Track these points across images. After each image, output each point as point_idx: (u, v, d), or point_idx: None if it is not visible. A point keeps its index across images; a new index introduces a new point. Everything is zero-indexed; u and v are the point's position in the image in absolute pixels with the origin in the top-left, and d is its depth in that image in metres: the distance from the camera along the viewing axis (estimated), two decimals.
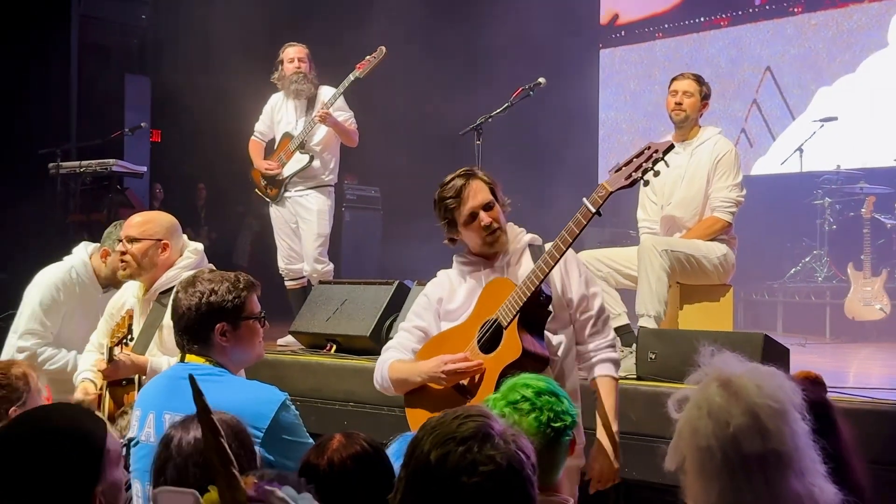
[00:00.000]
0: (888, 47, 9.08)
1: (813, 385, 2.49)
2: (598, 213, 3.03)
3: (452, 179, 3.30)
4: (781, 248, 8.85)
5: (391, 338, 3.59)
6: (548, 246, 3.21)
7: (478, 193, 3.27)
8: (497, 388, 2.57)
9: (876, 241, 7.79)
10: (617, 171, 3.03)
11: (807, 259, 8.46)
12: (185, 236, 3.98)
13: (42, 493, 1.78)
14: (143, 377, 3.59)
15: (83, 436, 1.84)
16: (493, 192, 3.30)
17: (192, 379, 1.43)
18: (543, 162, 9.91)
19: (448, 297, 3.38)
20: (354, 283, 5.94)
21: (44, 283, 4.44)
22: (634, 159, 3.04)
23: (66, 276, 4.45)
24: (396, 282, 5.57)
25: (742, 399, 1.78)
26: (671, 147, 3.03)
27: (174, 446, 2.17)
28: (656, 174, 3.02)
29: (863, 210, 7.79)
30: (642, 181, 3.05)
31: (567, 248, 3.09)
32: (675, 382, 3.94)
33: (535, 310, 3.15)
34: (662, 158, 3.01)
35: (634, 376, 4.40)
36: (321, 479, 2.09)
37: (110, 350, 3.65)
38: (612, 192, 3.04)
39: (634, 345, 4.56)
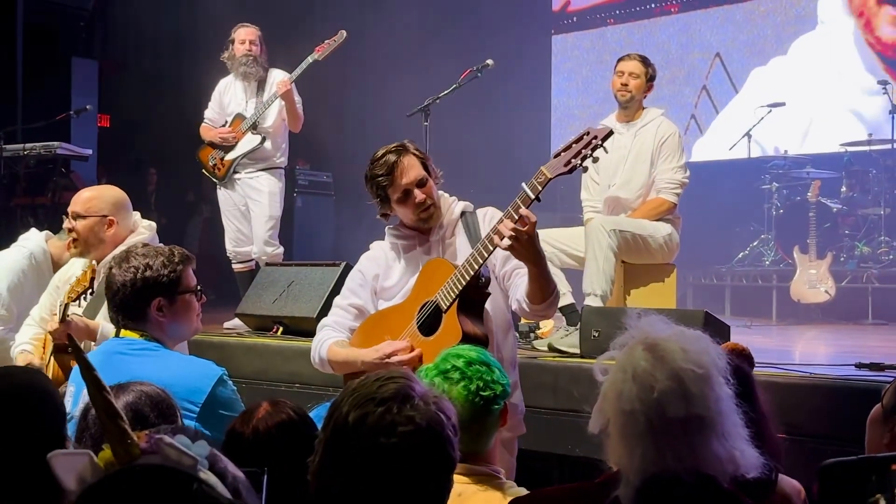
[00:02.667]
0: (816, 28, 9.27)
1: (738, 358, 2.48)
2: (537, 198, 3.00)
3: (384, 155, 3.28)
4: (730, 233, 8.95)
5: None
6: (484, 223, 3.23)
7: (410, 170, 3.25)
8: None
9: (821, 224, 7.90)
10: (556, 157, 3.02)
11: (755, 243, 8.55)
12: (136, 214, 3.90)
13: (10, 453, 1.77)
14: (93, 343, 3.50)
15: (49, 396, 1.85)
16: (425, 167, 3.30)
17: (70, 338, 1.41)
18: (494, 146, 9.95)
19: (384, 273, 3.37)
20: (301, 264, 5.92)
21: (9, 269, 4.38)
22: (574, 145, 3.02)
23: (28, 262, 4.39)
24: (344, 263, 5.55)
25: (667, 363, 1.78)
26: (610, 133, 3.02)
27: (91, 416, 2.16)
28: (595, 160, 3.02)
29: (809, 194, 7.89)
30: (581, 167, 3.04)
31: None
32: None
33: (475, 293, 3.16)
34: (601, 145, 2.99)
35: (578, 354, 4.44)
36: (246, 447, 2.09)
37: (65, 307, 3.53)
38: (550, 179, 3.01)
39: (579, 323, 4.60)
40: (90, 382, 1.12)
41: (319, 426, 1.71)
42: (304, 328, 5.36)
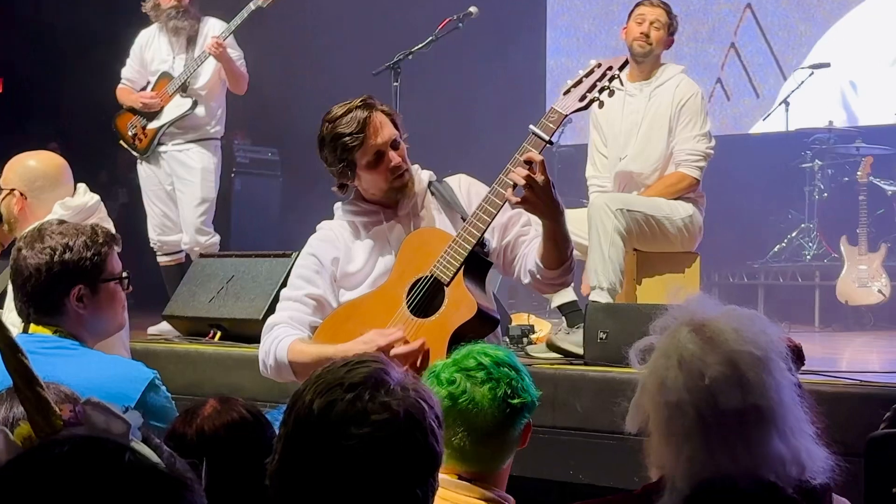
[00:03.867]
0: None
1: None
2: (549, 141, 3.12)
3: (350, 111, 3.33)
4: (764, 221, 8.98)
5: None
6: (461, 190, 3.35)
7: (383, 128, 3.34)
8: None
9: (874, 210, 7.91)
10: (566, 94, 3.15)
11: (793, 234, 8.58)
12: (81, 188, 3.95)
13: None
14: None
15: None
16: (395, 126, 3.40)
17: None
18: (477, 112, 9.98)
19: (344, 256, 3.41)
20: (244, 255, 5.96)
21: None
22: (585, 79, 3.15)
23: None
24: (295, 254, 5.46)
25: (718, 346, 1.80)
26: (626, 63, 3.17)
27: None
28: (611, 94, 3.16)
29: (858, 174, 7.87)
30: (598, 102, 3.18)
31: (515, 188, 3.16)
32: (631, 368, 3.98)
33: (479, 262, 3.25)
34: (618, 75, 3.13)
35: (581, 360, 4.49)
36: (190, 451, 2.06)
37: None
38: (565, 116, 3.15)
39: (582, 324, 4.61)
40: (3, 343, 1.15)
41: (278, 429, 1.74)
42: (248, 332, 5.37)
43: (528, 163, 3.08)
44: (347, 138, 3.31)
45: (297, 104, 9.45)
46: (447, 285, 3.17)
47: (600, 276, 4.86)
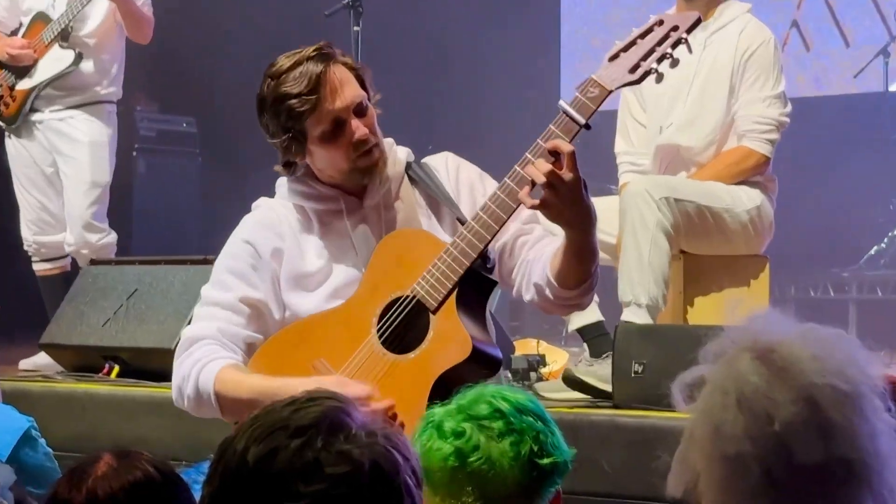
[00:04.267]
0: None
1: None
2: (587, 125, 3.07)
3: (300, 64, 3.32)
4: (856, 216, 8.96)
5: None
6: (449, 175, 3.37)
7: (344, 88, 3.32)
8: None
9: None
10: (614, 59, 3.11)
11: (895, 232, 8.62)
12: None
13: None
14: None
15: None
16: (362, 85, 3.38)
17: None
18: (470, 70, 10.00)
19: (291, 250, 3.41)
20: (150, 262, 5.94)
21: None
22: (640, 40, 3.12)
23: None
24: None
25: (792, 378, 1.76)
26: (698, 21, 3.12)
27: None
28: (674, 63, 3.10)
29: None
30: (655, 75, 3.13)
31: (534, 186, 3.11)
32: (675, 410, 3.97)
33: (479, 283, 3.24)
34: (685, 40, 3.10)
35: (609, 401, 4.48)
36: None
37: None
38: (610, 92, 3.10)
39: (611, 353, 4.61)
40: None
41: (198, 492, 1.77)
42: (155, 366, 5.36)
43: (554, 153, 3.02)
44: (295, 101, 3.28)
45: (223, 58, 9.66)
46: (434, 312, 3.15)
47: (637, 289, 4.82)
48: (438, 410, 2.42)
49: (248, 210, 3.59)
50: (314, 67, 3.28)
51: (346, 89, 3.31)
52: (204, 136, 9.87)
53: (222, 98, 9.72)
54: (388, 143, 3.46)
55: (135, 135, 9.29)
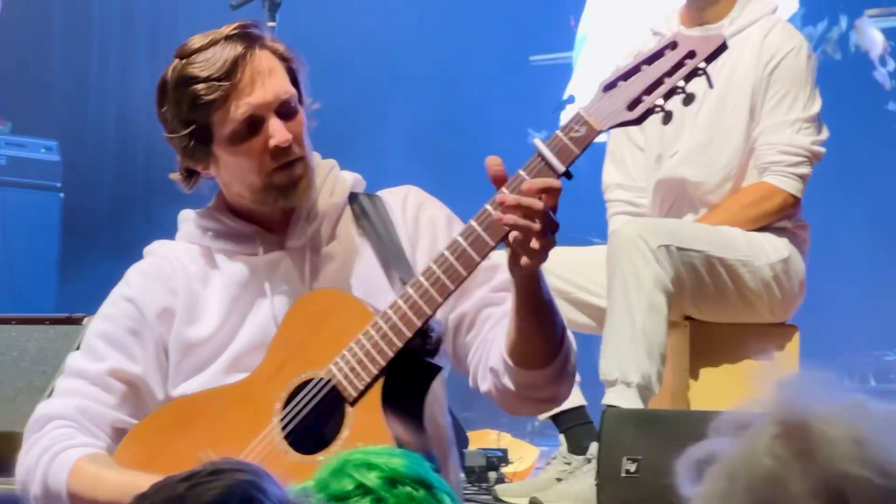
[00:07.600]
0: None
1: None
2: (566, 174, 2.89)
3: (216, 43, 3.17)
4: None
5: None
6: (406, 215, 3.30)
7: (268, 78, 3.18)
8: None
9: None
10: (610, 89, 2.95)
11: None
12: None
13: None
14: None
15: None
16: (293, 78, 3.25)
17: None
18: (427, 78, 10.17)
19: (186, 306, 3.24)
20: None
21: None
22: (645, 65, 2.95)
23: None
24: (89, 317, 5.13)
25: (817, 464, 1.65)
26: (723, 47, 2.96)
27: None
28: (688, 100, 2.97)
29: None
30: (662, 115, 2.99)
31: (500, 240, 2.96)
32: None
33: (415, 368, 3.08)
34: (704, 71, 2.95)
35: None
36: None
37: None
38: (598, 133, 2.94)
39: (595, 443, 4.61)
40: None
41: None
42: (5, 452, 5.13)
43: (546, 192, 2.86)
44: (202, 86, 3.12)
45: (98, 63, 9.54)
46: (352, 404, 3.04)
47: (625, 364, 4.71)
48: (294, 488, 2.25)
49: (124, 258, 3.57)
50: (231, 49, 3.19)
51: (271, 81, 3.20)
52: (70, 164, 9.79)
53: (95, 116, 9.80)
54: (327, 164, 3.39)
55: None
